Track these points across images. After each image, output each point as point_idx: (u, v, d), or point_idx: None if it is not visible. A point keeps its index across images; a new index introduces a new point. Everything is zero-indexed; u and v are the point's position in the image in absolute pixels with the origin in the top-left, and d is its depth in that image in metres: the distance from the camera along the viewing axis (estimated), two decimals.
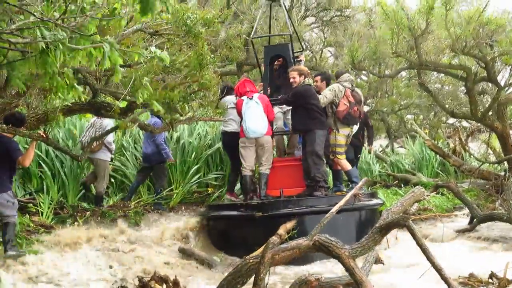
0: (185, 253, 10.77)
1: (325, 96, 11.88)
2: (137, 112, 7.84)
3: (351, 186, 12.11)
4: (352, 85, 12.29)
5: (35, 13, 4.12)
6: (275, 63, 12.93)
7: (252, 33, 13.79)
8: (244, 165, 12.01)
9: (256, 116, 11.69)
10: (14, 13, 4.34)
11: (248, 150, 11.96)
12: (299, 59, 13.13)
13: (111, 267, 9.73)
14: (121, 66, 6.01)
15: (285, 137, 13.66)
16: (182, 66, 7.17)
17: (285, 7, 13.56)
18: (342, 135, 12.05)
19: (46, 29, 4.13)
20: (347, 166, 12.22)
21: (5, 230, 8.82)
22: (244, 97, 11.90)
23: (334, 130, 12.07)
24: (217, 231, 12.26)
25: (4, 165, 8.78)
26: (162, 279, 7.32)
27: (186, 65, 7.13)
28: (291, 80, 11.71)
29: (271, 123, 12.20)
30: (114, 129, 8.26)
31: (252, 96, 11.80)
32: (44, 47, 4.12)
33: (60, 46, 4.10)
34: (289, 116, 12.66)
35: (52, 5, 4.30)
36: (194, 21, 7.50)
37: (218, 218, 12.14)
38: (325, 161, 11.86)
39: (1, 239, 8.96)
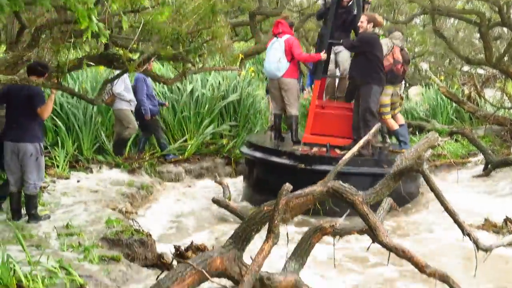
0: (219, 204, 10.33)
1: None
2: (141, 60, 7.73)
3: (400, 145, 11.91)
4: (402, 44, 11.93)
5: None
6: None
7: None
8: (273, 105, 12.09)
9: (273, 57, 11.47)
10: None
11: (273, 91, 11.92)
12: (368, 1, 12.40)
13: None
14: (129, 11, 5.96)
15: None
16: (192, 12, 7.10)
17: None
18: (385, 94, 11.42)
19: None
20: (394, 125, 11.73)
21: (27, 202, 8.23)
22: (274, 38, 11.64)
23: None
24: (254, 172, 11.60)
25: (30, 112, 8.04)
26: (199, 249, 7.28)
27: (196, 12, 7.06)
28: (359, 24, 11.05)
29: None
30: (114, 78, 8.16)
31: (282, 37, 11.46)
32: None
33: None
34: (340, 58, 12.35)
35: None
36: None
37: (258, 160, 11.30)
38: (377, 119, 11.07)
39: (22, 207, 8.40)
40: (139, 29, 6.39)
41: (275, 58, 11.42)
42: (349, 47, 11.44)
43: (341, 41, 11.49)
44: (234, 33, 23.03)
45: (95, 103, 8.47)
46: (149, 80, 12.44)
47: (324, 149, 10.94)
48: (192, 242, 7.36)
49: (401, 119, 12.10)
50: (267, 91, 14.45)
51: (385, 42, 11.48)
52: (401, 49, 11.72)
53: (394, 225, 10.10)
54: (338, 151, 10.90)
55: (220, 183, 10.83)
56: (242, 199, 11.68)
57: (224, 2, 10.35)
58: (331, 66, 12.52)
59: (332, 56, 12.29)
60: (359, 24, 10.99)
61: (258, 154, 11.27)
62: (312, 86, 12.48)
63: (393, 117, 11.80)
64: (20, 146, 8.05)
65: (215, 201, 9.98)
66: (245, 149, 11.82)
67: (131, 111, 12.27)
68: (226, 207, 9.93)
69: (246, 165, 12.11)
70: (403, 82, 12.01)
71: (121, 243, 7.70)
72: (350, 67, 11.38)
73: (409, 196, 10.77)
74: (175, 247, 7.31)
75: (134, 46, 7.55)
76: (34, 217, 8.19)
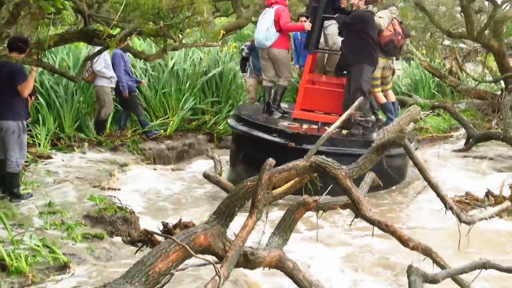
0: (209, 179, 10.09)
1: (381, 19, 11.14)
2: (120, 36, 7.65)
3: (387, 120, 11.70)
4: (399, 18, 11.80)
5: None
6: None
7: None
8: (264, 76, 11.93)
9: (262, 26, 11.39)
10: None
11: (264, 61, 11.77)
12: None
13: None
14: None
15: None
16: None
17: None
18: (376, 67, 11.25)
19: None
20: (382, 99, 11.64)
21: (9, 181, 8.17)
22: (267, 8, 11.54)
23: None
24: (243, 148, 11.27)
25: (11, 89, 7.94)
26: (187, 227, 7.23)
27: None
28: (352, 1, 10.98)
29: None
30: (95, 55, 8.08)
31: (273, 7, 11.33)
32: None
33: None
34: (329, 31, 12.01)
35: None
36: None
37: (248, 136, 10.93)
38: (368, 98, 11.11)
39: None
40: (122, 5, 6.33)
41: (264, 27, 11.32)
42: (342, 24, 11.15)
43: (335, 16, 11.24)
44: (215, 9, 22.91)
45: (76, 80, 8.38)
46: (126, 55, 12.36)
47: (315, 126, 10.78)
48: (180, 220, 7.35)
49: (392, 97, 12.00)
50: (242, 68, 14.34)
51: (386, 14, 11.29)
52: (400, 22, 11.64)
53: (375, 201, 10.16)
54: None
55: (212, 158, 10.74)
56: (228, 176, 11.41)
57: None
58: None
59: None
60: (352, 1, 10.90)
61: (247, 130, 10.96)
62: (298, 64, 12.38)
63: (385, 94, 11.74)
64: (2, 123, 7.98)
65: (206, 175, 9.79)
66: (234, 123, 11.46)
67: (112, 88, 12.20)
68: (217, 182, 9.78)
69: (234, 140, 11.86)
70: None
71: (104, 220, 7.71)
72: (342, 44, 11.22)
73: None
74: (163, 223, 7.29)
75: (115, 22, 7.48)
76: (16, 195, 8.13)
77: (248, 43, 14.06)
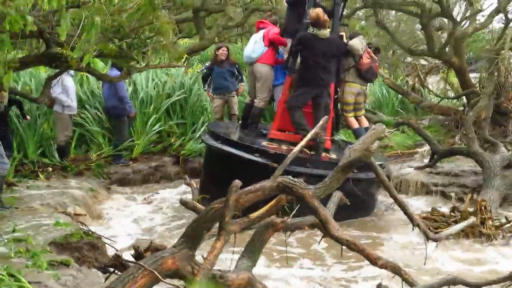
0: (187, 206, 9.80)
1: (356, 44, 11.27)
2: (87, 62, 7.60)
3: None
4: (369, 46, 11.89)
5: None
6: None
7: None
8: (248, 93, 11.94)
9: (250, 43, 11.46)
10: None
11: (250, 77, 11.77)
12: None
13: None
14: (69, 6, 5.83)
15: None
16: (133, 8, 6.99)
17: None
18: (350, 93, 11.51)
19: None
20: (354, 124, 11.69)
21: None
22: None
23: (343, 86, 11.57)
24: (219, 166, 10.91)
25: None
26: (158, 250, 7.12)
27: (138, 8, 6.97)
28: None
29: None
30: (55, 76, 8.00)
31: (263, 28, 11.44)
32: None
33: None
34: None
35: None
36: None
37: (225, 154, 10.53)
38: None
39: None
40: (81, 25, 6.26)
41: (252, 41, 11.42)
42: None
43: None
44: (178, 30, 22.92)
45: (38, 102, 8.34)
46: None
47: (293, 147, 10.59)
48: (151, 242, 7.25)
49: (365, 122, 11.99)
50: (204, 83, 14.19)
51: (359, 41, 11.39)
52: (374, 50, 11.90)
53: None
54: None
55: (189, 185, 10.54)
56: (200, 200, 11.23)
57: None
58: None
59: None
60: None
61: (225, 148, 10.60)
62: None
63: (358, 119, 11.81)
64: None
65: (183, 203, 9.57)
66: (210, 141, 11.04)
67: (70, 116, 12.07)
68: (194, 209, 9.59)
69: (209, 159, 11.55)
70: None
71: (71, 246, 7.58)
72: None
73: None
74: (134, 247, 7.17)
75: (76, 43, 7.41)
76: None
77: (207, 64, 14.10)
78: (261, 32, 11.37)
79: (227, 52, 13.48)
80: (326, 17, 10.57)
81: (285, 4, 12.44)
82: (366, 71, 11.37)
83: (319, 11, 10.51)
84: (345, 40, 11.36)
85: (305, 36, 10.61)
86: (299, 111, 10.66)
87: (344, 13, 12.08)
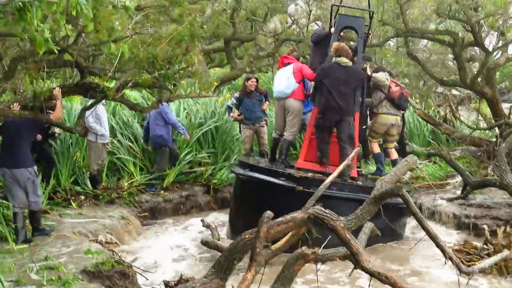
0: (208, 245, 9.73)
1: (380, 75, 11.88)
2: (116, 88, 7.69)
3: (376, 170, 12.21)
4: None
5: None
6: (341, 33, 11.93)
7: None
8: (275, 126, 12.10)
9: (281, 78, 11.57)
10: None
11: (277, 111, 12.03)
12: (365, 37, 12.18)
13: None
14: (107, 40, 5.94)
15: None
16: (168, 38, 7.09)
17: None
18: (382, 124, 11.89)
19: None
20: (376, 149, 12.09)
21: (30, 218, 9.15)
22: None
23: (376, 117, 11.98)
24: (248, 193, 11.27)
25: (19, 140, 8.90)
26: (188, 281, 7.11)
27: (173, 38, 7.06)
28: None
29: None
30: (91, 106, 8.12)
31: (290, 64, 11.70)
32: (21, 5, 4.08)
33: (36, 2, 4.05)
34: None
35: None
36: None
37: (252, 181, 10.99)
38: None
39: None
40: (118, 57, 6.37)
41: (284, 77, 11.50)
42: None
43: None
44: (209, 59, 23.09)
45: (73, 131, 8.54)
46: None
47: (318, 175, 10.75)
48: (181, 276, 7.25)
49: (394, 155, 12.26)
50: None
51: (383, 74, 11.92)
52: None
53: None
54: None
55: (208, 226, 10.61)
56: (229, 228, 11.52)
57: (199, 28, 10.37)
58: None
59: None
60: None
61: (253, 174, 10.99)
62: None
63: (387, 151, 12.21)
64: (16, 171, 8.82)
65: (204, 242, 9.56)
66: (239, 170, 11.51)
67: (103, 144, 12.20)
68: (216, 247, 9.55)
69: (237, 186, 11.91)
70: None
71: (102, 275, 7.61)
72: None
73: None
74: (164, 282, 7.16)
75: (110, 74, 7.52)
76: (37, 229, 9.10)
77: (236, 94, 14.14)
78: (291, 67, 11.54)
79: (256, 83, 13.54)
80: (348, 49, 10.86)
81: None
82: (399, 98, 11.69)
83: (341, 43, 10.90)
84: (368, 72, 11.65)
85: (326, 64, 10.99)
86: (322, 134, 10.93)
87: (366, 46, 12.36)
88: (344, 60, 10.65)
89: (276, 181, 10.50)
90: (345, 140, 10.63)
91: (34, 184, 8.98)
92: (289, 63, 11.74)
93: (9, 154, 8.82)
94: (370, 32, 12.40)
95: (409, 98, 18.03)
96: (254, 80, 13.51)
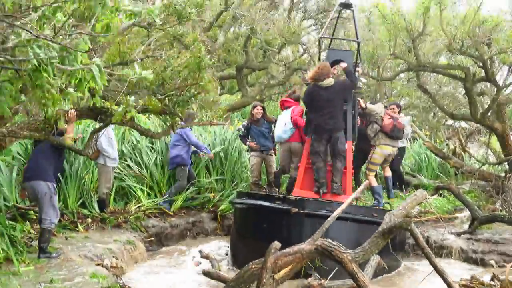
0: (210, 276, 9.63)
1: (373, 107, 12.85)
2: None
3: (374, 201, 12.78)
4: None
5: (31, 31, 4.09)
6: (332, 68, 12.37)
7: (321, 32, 14.03)
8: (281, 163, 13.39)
9: (280, 123, 12.89)
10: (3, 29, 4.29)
11: (282, 151, 13.31)
12: (357, 69, 12.86)
13: None
14: (117, 63, 5.99)
15: None
16: (180, 68, 7.14)
17: (354, 16, 13.23)
18: (380, 154, 12.74)
19: (37, 47, 4.13)
20: (374, 182, 12.72)
21: (41, 236, 9.08)
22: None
23: (374, 148, 12.81)
24: (246, 220, 11.47)
25: (52, 155, 9.24)
26: None
27: (185, 66, 7.11)
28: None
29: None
30: (101, 128, 8.14)
31: (290, 108, 12.97)
32: (37, 65, 4.12)
33: (53, 63, 4.10)
34: None
35: (44, 23, 4.29)
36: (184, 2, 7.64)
37: (250, 207, 11.18)
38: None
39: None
40: (127, 81, 6.40)
41: (282, 123, 12.85)
42: None
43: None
44: (220, 86, 23.17)
45: (83, 153, 8.60)
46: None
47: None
48: None
49: (388, 172, 13.58)
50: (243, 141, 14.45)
51: (379, 105, 12.96)
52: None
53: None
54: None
55: (207, 257, 10.64)
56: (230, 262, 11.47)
57: (211, 57, 10.52)
58: None
59: None
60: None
61: (250, 201, 11.26)
62: None
63: (383, 168, 13.45)
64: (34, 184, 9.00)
65: (206, 273, 9.52)
66: (236, 199, 11.91)
67: (113, 168, 12.21)
68: (218, 278, 9.50)
69: (236, 214, 11.99)
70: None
71: None
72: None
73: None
74: None
75: (121, 98, 7.55)
76: (43, 251, 8.98)
77: (244, 123, 14.24)
78: (289, 113, 12.80)
79: (262, 111, 13.67)
80: (327, 67, 11.39)
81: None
82: (392, 130, 12.53)
83: (317, 66, 11.55)
84: (362, 105, 12.46)
85: (310, 89, 11.59)
86: (317, 159, 11.51)
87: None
88: (326, 82, 11.27)
89: (272, 205, 10.71)
90: (337, 155, 11.34)
91: (51, 200, 9.04)
92: (289, 106, 12.94)
93: (32, 167, 9.07)
94: (358, 62, 12.89)
95: (418, 130, 18.16)
96: (260, 108, 13.66)
